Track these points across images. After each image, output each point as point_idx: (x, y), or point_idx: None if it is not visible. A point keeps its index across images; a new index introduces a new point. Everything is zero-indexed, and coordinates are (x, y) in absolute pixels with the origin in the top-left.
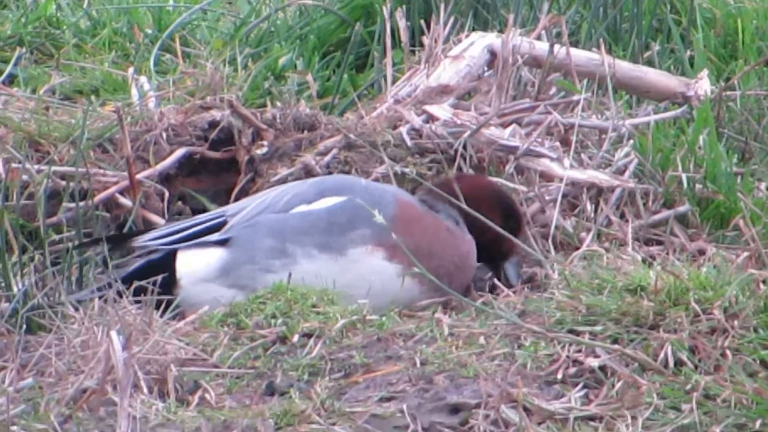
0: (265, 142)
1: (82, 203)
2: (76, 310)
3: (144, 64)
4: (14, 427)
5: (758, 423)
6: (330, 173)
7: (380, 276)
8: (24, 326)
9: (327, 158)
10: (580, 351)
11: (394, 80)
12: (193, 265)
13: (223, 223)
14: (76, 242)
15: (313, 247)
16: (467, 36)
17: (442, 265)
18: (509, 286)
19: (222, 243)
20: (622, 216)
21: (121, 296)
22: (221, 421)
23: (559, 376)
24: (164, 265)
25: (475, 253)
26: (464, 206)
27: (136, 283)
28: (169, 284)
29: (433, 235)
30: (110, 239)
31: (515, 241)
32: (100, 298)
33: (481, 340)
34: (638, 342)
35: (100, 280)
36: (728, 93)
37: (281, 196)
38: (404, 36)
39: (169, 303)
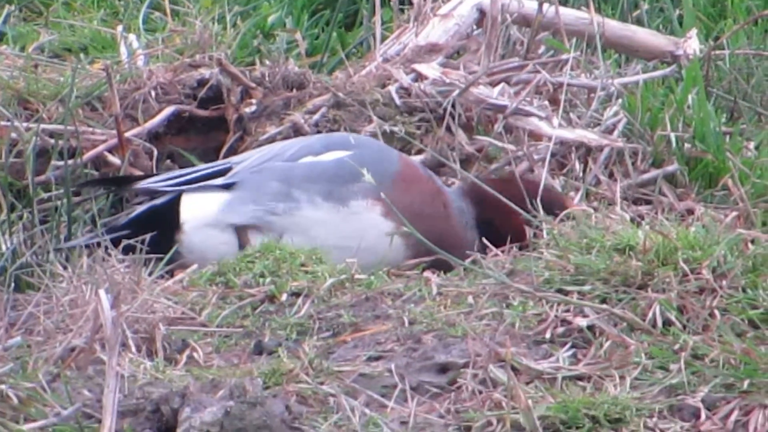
0: (253, 101)
1: (70, 161)
2: (65, 268)
3: (133, 22)
4: (2, 386)
5: (746, 383)
6: (319, 131)
7: (375, 231)
8: (12, 285)
9: (316, 117)
10: (568, 311)
11: (383, 39)
12: (197, 208)
13: (229, 169)
14: (84, 181)
15: (318, 195)
16: None
17: (429, 230)
18: None
19: (227, 187)
20: (611, 175)
21: (110, 254)
22: (209, 380)
23: (548, 335)
24: (168, 210)
25: (464, 238)
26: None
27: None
28: (172, 230)
29: (427, 199)
30: (113, 181)
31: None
32: (88, 247)
33: (470, 299)
34: (626, 302)
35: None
36: (717, 52)
37: (288, 148)
38: None
39: (159, 260)
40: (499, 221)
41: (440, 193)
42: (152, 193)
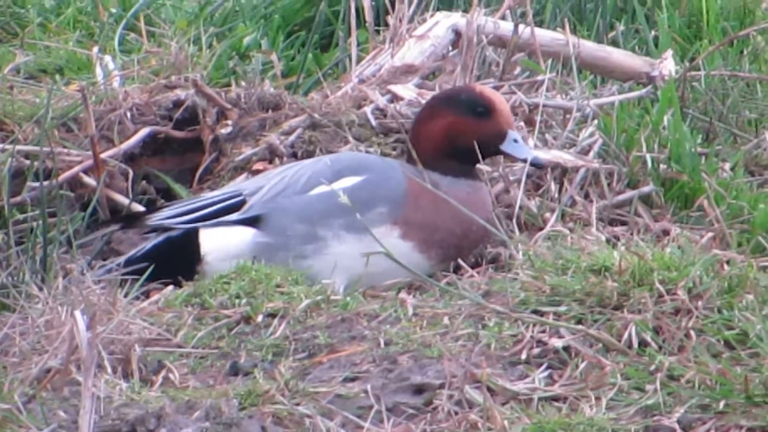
0: (229, 122)
1: (46, 182)
2: (40, 289)
3: (109, 44)
4: None
5: (722, 404)
6: (294, 153)
7: (397, 254)
8: None
9: (291, 138)
10: (544, 331)
11: (359, 60)
12: (221, 242)
13: (242, 202)
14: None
15: (341, 228)
16: (432, 16)
17: (445, 237)
18: (534, 164)
19: (248, 222)
20: (587, 196)
21: (84, 275)
22: (185, 401)
23: (523, 356)
24: (184, 242)
25: (476, 206)
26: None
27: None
28: (191, 261)
29: (437, 208)
30: (124, 218)
31: (496, 122)
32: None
33: (445, 320)
34: (602, 322)
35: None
36: (693, 73)
37: (299, 176)
38: (369, 15)
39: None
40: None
41: (439, 196)
42: (166, 230)
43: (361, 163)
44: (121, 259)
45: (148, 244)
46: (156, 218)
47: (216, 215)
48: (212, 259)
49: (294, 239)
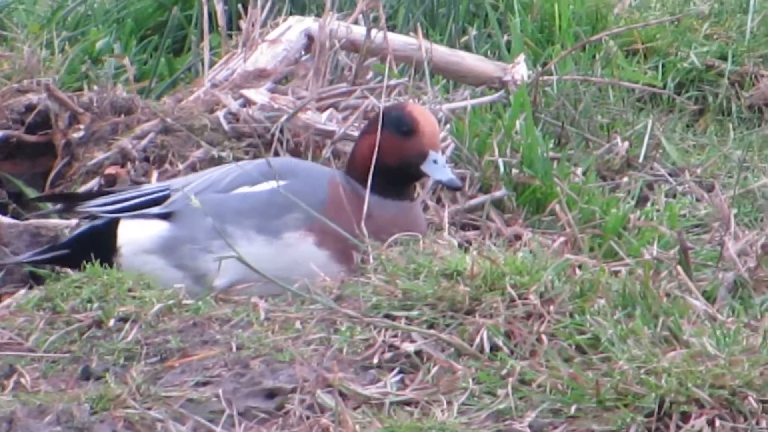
0: (81, 126)
1: None
2: None
3: None
4: None
5: (573, 408)
6: (147, 158)
7: (311, 261)
8: None
9: (144, 142)
10: (396, 336)
11: (212, 64)
12: (135, 235)
13: (167, 197)
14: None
15: (251, 229)
16: (284, 20)
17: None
18: (450, 187)
19: (164, 216)
20: (439, 201)
21: None
22: (37, 406)
23: (375, 360)
24: (107, 232)
25: (402, 228)
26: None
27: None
28: (110, 252)
29: (358, 219)
30: (63, 197)
31: (418, 141)
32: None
33: (297, 324)
34: (454, 327)
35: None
36: (545, 78)
37: (224, 176)
38: (221, 20)
39: None
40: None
41: (356, 200)
42: (92, 217)
43: (288, 168)
44: (48, 245)
45: (74, 232)
46: (87, 205)
47: (140, 207)
48: (126, 252)
49: (202, 232)
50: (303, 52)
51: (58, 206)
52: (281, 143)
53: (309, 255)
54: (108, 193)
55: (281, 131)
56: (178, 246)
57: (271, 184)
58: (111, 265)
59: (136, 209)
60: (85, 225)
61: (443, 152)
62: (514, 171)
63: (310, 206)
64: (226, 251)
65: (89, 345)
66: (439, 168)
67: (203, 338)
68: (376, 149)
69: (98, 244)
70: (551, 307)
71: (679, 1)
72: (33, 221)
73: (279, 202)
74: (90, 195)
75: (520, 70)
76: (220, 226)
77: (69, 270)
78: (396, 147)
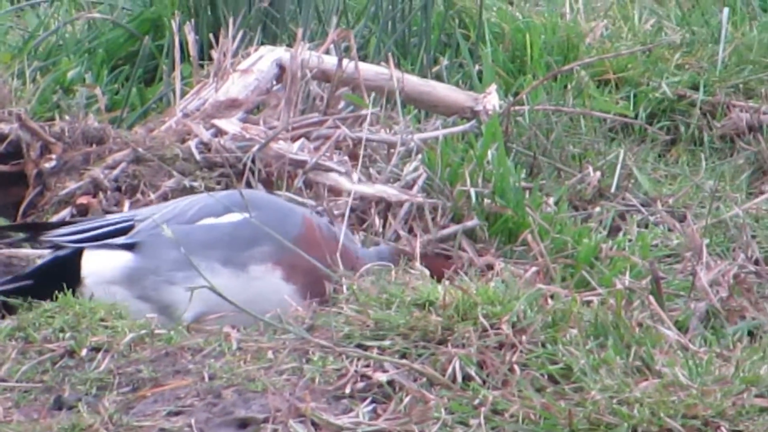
0: (53, 156)
1: None
2: None
3: None
4: None
5: None
6: (119, 187)
7: (278, 295)
8: None
9: (116, 172)
10: (368, 366)
11: (183, 94)
12: (99, 265)
13: (131, 227)
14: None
15: (216, 261)
16: (256, 50)
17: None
18: None
19: (128, 247)
20: (411, 230)
21: None
22: None
23: (348, 390)
24: (72, 261)
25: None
26: None
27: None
28: (74, 282)
29: (333, 260)
30: (28, 227)
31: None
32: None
33: (270, 354)
34: (426, 357)
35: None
36: (516, 108)
37: (189, 207)
38: (193, 50)
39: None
40: None
41: (348, 253)
42: (56, 246)
43: (254, 201)
44: (10, 276)
45: (39, 262)
46: (51, 234)
47: (104, 237)
48: (90, 282)
49: (166, 264)
50: (274, 82)
51: (25, 236)
52: (253, 173)
53: (276, 288)
54: (73, 222)
55: (253, 161)
56: (141, 277)
57: (237, 216)
58: (74, 296)
59: (100, 239)
60: (49, 255)
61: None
62: (486, 201)
63: (281, 238)
64: (191, 282)
65: (61, 375)
66: None
67: (175, 368)
68: None
69: (62, 275)
70: (523, 337)
71: (651, 31)
72: (5, 251)
73: (246, 235)
74: (55, 224)
75: (491, 99)
76: (185, 257)
77: (40, 300)
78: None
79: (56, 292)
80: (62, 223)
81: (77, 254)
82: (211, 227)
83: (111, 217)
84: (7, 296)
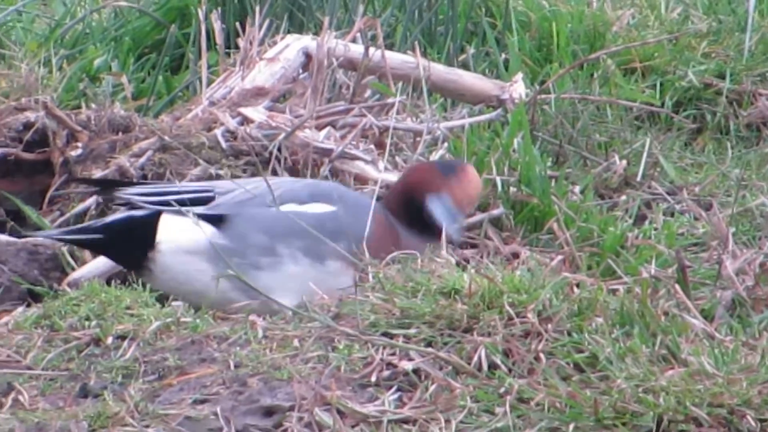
0: (79, 144)
1: None
2: None
3: None
4: None
5: (571, 426)
6: (145, 176)
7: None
8: None
9: (142, 160)
10: (393, 354)
11: (210, 82)
12: (178, 233)
13: (212, 198)
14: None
15: (299, 250)
16: (282, 38)
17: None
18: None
19: (211, 220)
20: None
21: None
22: (35, 423)
23: (373, 378)
24: (147, 224)
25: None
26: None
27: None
28: (146, 245)
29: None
30: (101, 182)
31: (454, 184)
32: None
33: (295, 342)
34: (452, 345)
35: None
36: (543, 96)
37: (273, 189)
38: (219, 38)
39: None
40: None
41: (394, 234)
42: (132, 205)
43: (337, 194)
44: (81, 226)
45: (109, 217)
46: (126, 192)
47: (182, 204)
48: (165, 249)
49: (252, 249)
50: (301, 71)
51: (97, 190)
52: (279, 161)
53: (346, 285)
54: (147, 183)
55: (279, 149)
56: (225, 256)
57: (320, 207)
58: (143, 261)
59: (179, 205)
60: (122, 213)
61: (467, 217)
62: (512, 189)
63: (356, 238)
64: (275, 269)
65: (87, 363)
66: (443, 211)
67: (201, 356)
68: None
69: (135, 236)
70: (549, 326)
71: (677, 19)
72: (30, 239)
73: (328, 228)
74: (130, 183)
75: (518, 88)
76: (270, 245)
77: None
78: (433, 178)
79: (125, 252)
80: (137, 183)
81: (152, 218)
82: (297, 216)
83: (188, 185)
84: (74, 245)
